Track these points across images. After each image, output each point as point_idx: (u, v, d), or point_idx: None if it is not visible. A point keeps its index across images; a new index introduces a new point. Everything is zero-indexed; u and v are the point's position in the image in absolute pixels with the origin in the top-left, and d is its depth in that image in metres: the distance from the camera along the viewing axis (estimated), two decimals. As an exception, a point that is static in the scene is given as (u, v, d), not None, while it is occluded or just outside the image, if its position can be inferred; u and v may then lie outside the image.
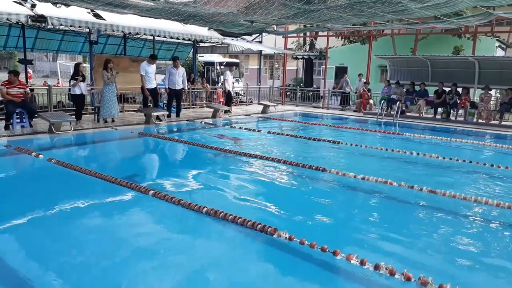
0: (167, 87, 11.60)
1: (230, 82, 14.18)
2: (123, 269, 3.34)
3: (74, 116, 9.85)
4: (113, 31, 12.19)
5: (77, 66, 10.24)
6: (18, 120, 9.02)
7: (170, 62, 11.74)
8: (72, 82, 9.98)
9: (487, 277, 3.54)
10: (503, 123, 13.19)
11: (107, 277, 3.20)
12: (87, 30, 12.04)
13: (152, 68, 10.84)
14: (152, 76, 10.85)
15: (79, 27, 11.49)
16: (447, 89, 14.23)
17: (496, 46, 19.81)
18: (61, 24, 10.19)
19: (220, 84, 18.40)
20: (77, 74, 9.99)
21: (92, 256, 3.53)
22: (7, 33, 14.71)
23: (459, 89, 14.09)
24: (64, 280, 3.11)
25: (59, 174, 5.92)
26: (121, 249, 3.71)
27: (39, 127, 9.19)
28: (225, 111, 13.48)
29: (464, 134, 11.51)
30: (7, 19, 9.60)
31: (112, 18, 11.13)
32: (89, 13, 10.89)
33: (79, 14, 10.45)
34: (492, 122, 13.31)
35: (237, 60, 25.10)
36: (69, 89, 10.40)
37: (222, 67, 21.35)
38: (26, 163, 6.65)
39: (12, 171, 6.46)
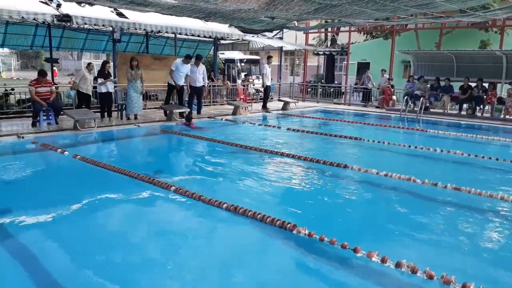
0: (186, 84, 11.68)
1: (269, 76, 13.83)
2: (147, 262, 3.39)
3: (99, 114, 10.09)
4: (136, 29, 12.38)
5: (104, 64, 10.44)
6: (45, 118, 9.27)
7: (192, 60, 11.85)
8: (100, 80, 10.18)
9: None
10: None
11: (131, 268, 3.26)
12: (111, 28, 12.25)
13: (186, 67, 11.07)
14: (183, 75, 11.09)
15: (103, 25, 11.70)
16: (473, 85, 13.84)
17: (525, 40, 19.13)
18: (85, 23, 10.42)
19: (241, 81, 18.41)
20: (103, 72, 10.20)
21: (115, 250, 3.60)
22: (33, 33, 15.15)
23: (486, 85, 13.68)
24: (92, 272, 3.19)
25: (84, 170, 6.06)
26: (144, 243, 3.77)
27: (64, 124, 9.42)
28: (246, 108, 13.49)
29: (491, 131, 11.19)
30: (34, 19, 9.86)
31: (135, 17, 11.30)
32: (112, 12, 11.08)
33: (102, 13, 10.65)
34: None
35: (258, 57, 25.06)
36: (94, 87, 10.60)
37: (243, 64, 21.34)
38: (52, 159, 6.84)
39: (39, 167, 6.65)
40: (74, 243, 3.71)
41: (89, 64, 10.66)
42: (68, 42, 16.25)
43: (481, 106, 13.82)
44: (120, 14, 11.14)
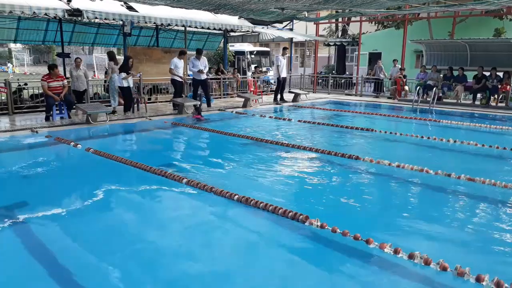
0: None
1: (284, 68, 13.70)
2: (160, 253, 3.43)
3: (111, 107, 10.19)
4: (146, 22, 12.41)
5: (127, 59, 10.36)
6: (58, 112, 9.38)
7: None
8: (123, 75, 10.18)
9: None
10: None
11: (145, 259, 3.30)
12: (121, 22, 12.29)
13: (182, 62, 11.39)
14: (181, 71, 11.39)
15: (113, 19, 11.74)
16: (487, 74, 13.59)
17: (541, 27, 18.69)
18: (96, 17, 10.46)
19: (251, 73, 18.37)
20: (127, 67, 10.20)
21: (130, 241, 3.64)
22: (45, 28, 15.27)
23: (500, 74, 13.43)
24: (109, 263, 3.24)
25: (97, 163, 6.13)
26: (156, 234, 3.81)
27: (76, 118, 9.52)
28: (256, 100, 13.46)
29: (505, 121, 11.00)
30: (45, 14, 9.93)
31: (145, 10, 11.32)
32: (122, 5, 11.11)
33: (112, 7, 10.69)
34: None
35: (268, 49, 24.97)
36: (104, 81, 10.69)
37: (253, 56, 21.27)
38: (66, 153, 6.93)
39: (54, 161, 6.73)
40: (90, 235, 3.76)
41: (76, 59, 10.63)
42: (79, 37, 16.35)
43: (496, 96, 13.59)
44: (130, 8, 11.16)
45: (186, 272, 3.18)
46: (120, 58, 12.63)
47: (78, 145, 6.84)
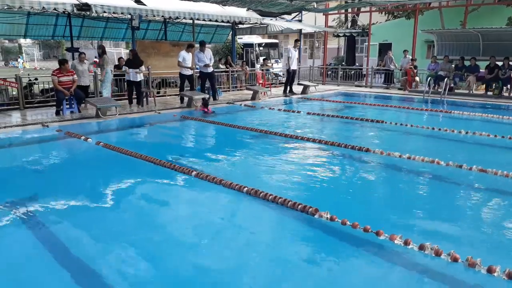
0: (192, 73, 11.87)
1: (295, 60, 13.65)
2: (170, 245, 3.45)
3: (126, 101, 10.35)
4: (154, 16, 12.39)
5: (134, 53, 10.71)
6: (68, 106, 9.45)
7: (209, 45, 11.94)
8: (124, 68, 10.36)
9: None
10: None
11: (157, 251, 3.33)
12: (129, 16, 12.31)
13: (190, 56, 11.39)
14: (189, 64, 11.39)
15: (122, 13, 11.76)
16: (500, 64, 13.35)
17: (556, 15, 18.26)
18: (104, 12, 10.48)
19: (259, 65, 18.29)
20: (130, 61, 10.41)
21: (142, 233, 3.67)
22: (54, 23, 15.36)
23: (513, 63, 13.18)
24: (121, 253, 3.27)
25: (108, 157, 6.18)
26: (168, 227, 3.84)
27: (86, 112, 9.59)
28: (265, 93, 13.42)
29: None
30: (54, 9, 9.97)
31: (153, 3, 11.30)
32: (130, -1, 11.11)
33: (121, 0, 10.69)
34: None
35: (277, 41, 24.82)
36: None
37: (261, 48, 21.16)
38: (76, 146, 6.98)
39: (64, 155, 6.81)
40: (101, 227, 3.80)
41: (80, 54, 10.70)
42: (88, 31, 16.42)
43: (509, 86, 13.36)
44: (139, 2, 11.15)
45: (197, 263, 3.20)
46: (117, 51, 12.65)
47: (89, 139, 6.90)
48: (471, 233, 3.78)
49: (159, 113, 9.92)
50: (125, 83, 11.16)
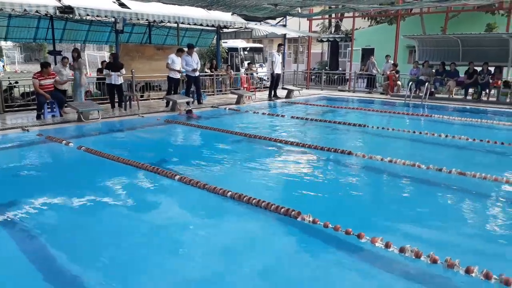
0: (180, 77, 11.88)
1: (279, 64, 13.73)
2: (152, 251, 3.43)
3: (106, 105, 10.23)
4: (138, 19, 12.33)
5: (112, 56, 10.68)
6: (49, 110, 9.31)
7: (194, 49, 11.94)
8: (105, 71, 10.26)
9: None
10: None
11: (137, 258, 3.30)
12: (113, 19, 12.22)
13: (179, 59, 11.40)
14: (178, 67, 11.40)
15: (105, 16, 11.66)
16: (479, 69, 13.68)
17: (532, 22, 18.82)
18: (87, 15, 10.40)
19: (244, 69, 18.34)
20: (111, 64, 10.36)
21: (120, 239, 3.64)
22: (36, 25, 15.12)
23: (491, 68, 13.51)
24: (95, 263, 3.23)
25: (89, 161, 6.11)
26: (150, 232, 3.81)
27: (68, 116, 9.46)
28: (249, 97, 13.46)
29: (496, 115, 11.09)
30: (36, 11, 9.83)
31: (137, 7, 11.26)
32: (114, 2, 11.04)
33: (104, 4, 10.62)
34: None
35: (261, 45, 24.92)
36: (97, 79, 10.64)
37: (246, 52, 21.22)
38: (57, 151, 6.88)
39: (45, 159, 6.70)
40: (80, 233, 3.75)
41: (63, 58, 10.55)
42: (70, 34, 16.20)
43: (487, 91, 13.69)
44: (122, 5, 11.09)
45: (178, 269, 3.19)
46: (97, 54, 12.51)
47: (70, 143, 6.80)
48: (451, 234, 3.86)
49: (142, 116, 9.85)
50: (106, 87, 11.04)
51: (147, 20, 12.82)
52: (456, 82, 14.16)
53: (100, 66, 13.59)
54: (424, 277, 3.06)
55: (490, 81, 13.38)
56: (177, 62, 11.34)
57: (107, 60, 15.24)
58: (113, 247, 3.49)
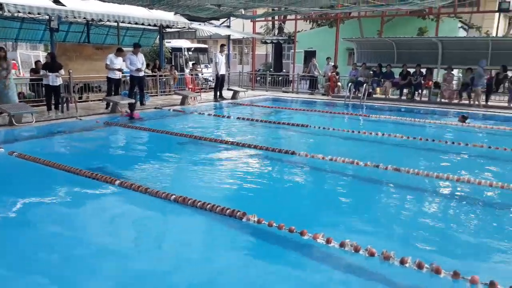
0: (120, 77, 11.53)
1: (223, 65, 13.68)
2: (93, 260, 3.30)
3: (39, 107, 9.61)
4: (75, 17, 11.78)
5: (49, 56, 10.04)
6: (-24, 113, 8.64)
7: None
8: (42, 72, 9.64)
9: (448, 249, 3.70)
10: (464, 102, 13.65)
11: (78, 268, 3.16)
12: (47, 17, 11.58)
13: (119, 59, 11.01)
14: (118, 66, 11.03)
15: (38, 14, 11.02)
16: (412, 70, 14.55)
17: (458, 27, 20.29)
18: (18, 11, 9.75)
19: (188, 70, 18.14)
20: (48, 64, 9.71)
21: (60, 247, 3.47)
22: (-40, 22, 13.97)
23: (423, 70, 14.43)
24: (32, 275, 3.05)
25: (22, 167, 5.74)
26: (89, 240, 3.66)
27: (-1, 120, 8.83)
28: (194, 98, 13.34)
29: (428, 114, 11.85)
30: (-41, 7, 9.09)
31: (73, 4, 10.74)
32: (48, -1, 10.45)
33: (37, 0, 10.02)
34: (455, 101, 13.77)
35: (206, 46, 24.76)
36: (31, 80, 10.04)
37: (190, 52, 21.00)
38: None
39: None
40: (12, 245, 3.52)
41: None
42: (0, 32, 15.12)
43: (420, 91, 14.59)
44: (57, 2, 10.52)
45: (124, 275, 3.09)
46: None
47: (0, 149, 6.35)
48: (387, 227, 4.08)
49: (80, 119, 9.42)
50: (43, 88, 10.44)
51: (84, 18, 12.27)
52: (392, 83, 14.96)
53: (34, 66, 12.80)
54: (362, 270, 3.21)
55: (422, 82, 14.28)
56: (116, 62, 10.96)
57: (42, 60, 14.45)
58: (46, 260, 3.31)
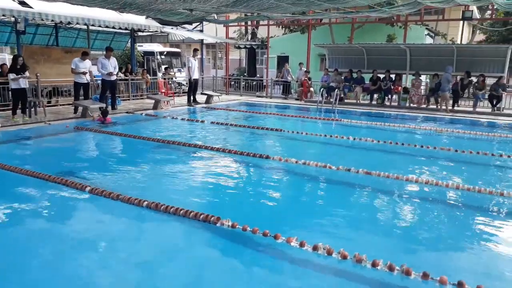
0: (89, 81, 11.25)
1: (196, 69, 13.63)
2: (66, 268, 3.20)
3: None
4: (42, 20, 11.48)
5: (16, 58, 9.61)
6: None
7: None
8: (12, 76, 9.26)
9: (418, 251, 3.80)
10: (432, 106, 14.10)
11: (49, 279, 3.06)
12: (13, 19, 11.22)
13: (85, 63, 10.78)
14: (82, 70, 10.73)
15: (3, 15, 10.65)
16: (382, 76, 14.91)
17: (425, 34, 20.97)
18: (-18, 13, 9.41)
19: (161, 74, 17.95)
20: (15, 67, 9.32)
21: (30, 258, 3.34)
22: None
23: (393, 76, 14.82)
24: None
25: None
26: (59, 249, 3.55)
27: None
28: (167, 102, 13.21)
29: (398, 118, 12.17)
30: None
31: (41, 6, 10.43)
32: (13, 0, 10.12)
33: (2, 1, 9.69)
34: (423, 106, 14.20)
35: (179, 50, 24.58)
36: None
37: (163, 56, 20.80)
38: None
39: None
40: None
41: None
42: (-38, 33, 14.57)
43: (389, 96, 14.96)
44: (23, 3, 10.21)
45: (99, 283, 3.02)
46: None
47: (-37, 155, 6.10)
48: (359, 230, 4.15)
49: (49, 124, 9.15)
50: (9, 92, 10.06)
51: (52, 20, 11.97)
52: (363, 88, 15.27)
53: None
54: (335, 273, 3.25)
55: (392, 87, 14.65)
56: (81, 67, 10.67)
57: (7, 63, 13.99)
58: (18, 268, 3.19)
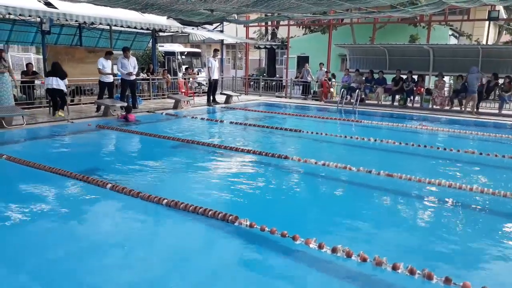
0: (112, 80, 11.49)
1: (216, 70, 13.68)
2: (87, 265, 3.24)
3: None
4: (67, 20, 11.72)
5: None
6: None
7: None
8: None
9: (440, 255, 3.70)
10: (455, 108, 13.78)
11: (71, 274, 3.11)
12: (39, 19, 11.50)
13: (109, 63, 11.03)
14: (108, 70, 11.03)
15: (29, 16, 10.93)
16: (404, 77, 14.66)
17: (449, 35, 20.55)
18: (9, 13, 9.69)
19: (181, 74, 18.11)
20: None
21: (54, 253, 3.41)
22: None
23: (415, 77, 14.56)
24: (28, 280, 3.00)
25: (12, 170, 5.67)
26: (83, 245, 3.60)
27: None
28: (187, 102, 13.31)
29: (420, 120, 11.93)
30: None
31: (65, 7, 10.67)
32: (40, 1, 10.38)
33: (28, 2, 9.95)
34: (446, 107, 13.90)
35: (199, 50, 24.76)
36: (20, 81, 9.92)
37: (184, 57, 20.98)
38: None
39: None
40: (9, 248, 3.46)
41: None
42: (-10, 34, 14.99)
43: (412, 97, 14.70)
44: (49, 4, 10.46)
45: (118, 281, 3.05)
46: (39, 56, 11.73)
47: (-11, 151, 6.27)
48: (379, 233, 4.07)
49: (72, 122, 9.34)
50: (34, 91, 10.30)
51: (76, 21, 12.21)
52: (384, 89, 15.05)
53: (25, 69, 12.69)
54: (355, 276, 3.19)
55: (414, 88, 14.39)
56: (107, 66, 10.93)
57: (33, 62, 14.35)
58: (41, 262, 3.25)
